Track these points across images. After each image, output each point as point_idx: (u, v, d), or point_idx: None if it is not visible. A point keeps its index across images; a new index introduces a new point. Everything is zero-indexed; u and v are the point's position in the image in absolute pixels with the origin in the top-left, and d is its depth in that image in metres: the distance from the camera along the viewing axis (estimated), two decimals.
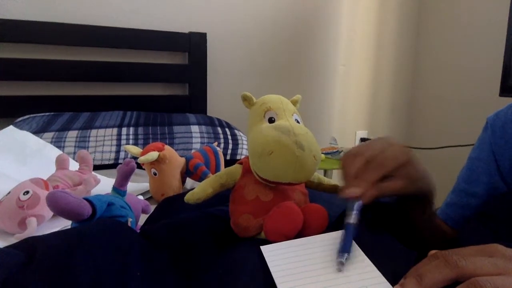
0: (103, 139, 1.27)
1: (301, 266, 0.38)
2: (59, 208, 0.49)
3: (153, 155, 0.88)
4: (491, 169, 0.63)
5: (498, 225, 0.55)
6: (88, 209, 0.50)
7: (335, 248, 0.40)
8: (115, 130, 1.31)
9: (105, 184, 0.89)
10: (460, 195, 0.67)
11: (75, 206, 0.49)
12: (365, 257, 0.39)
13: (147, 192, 0.96)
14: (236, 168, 0.53)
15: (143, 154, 0.90)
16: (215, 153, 1.05)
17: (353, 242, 0.41)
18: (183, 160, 0.97)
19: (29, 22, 1.35)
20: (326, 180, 0.57)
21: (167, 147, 0.93)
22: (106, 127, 1.32)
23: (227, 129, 1.46)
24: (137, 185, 0.99)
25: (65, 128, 1.27)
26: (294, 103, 0.57)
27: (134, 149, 0.94)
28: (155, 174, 0.91)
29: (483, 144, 0.65)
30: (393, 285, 0.35)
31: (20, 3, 1.38)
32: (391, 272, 0.37)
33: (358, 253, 0.40)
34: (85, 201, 0.50)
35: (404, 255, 0.43)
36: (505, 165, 0.61)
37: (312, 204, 0.49)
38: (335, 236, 0.42)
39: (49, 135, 1.22)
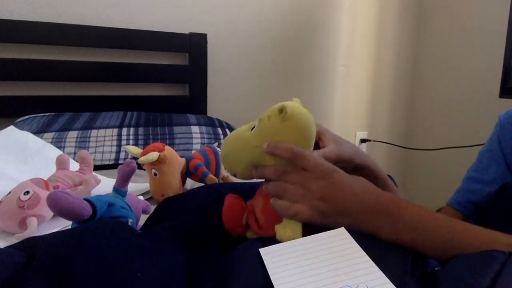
0: (104, 140, 1.27)
1: (299, 267, 0.38)
2: (59, 208, 0.49)
3: (154, 155, 0.88)
4: (499, 158, 0.69)
5: (490, 220, 0.57)
6: (88, 210, 0.50)
7: (334, 246, 0.40)
8: (115, 131, 1.31)
9: (105, 184, 0.89)
10: (469, 182, 0.74)
11: (76, 206, 0.49)
12: (364, 254, 0.39)
13: (147, 192, 0.96)
14: None
15: (143, 154, 0.90)
16: (215, 154, 1.05)
17: (353, 240, 0.41)
18: (183, 160, 0.97)
19: (29, 23, 1.35)
20: None
21: (167, 147, 0.94)
22: (107, 127, 1.32)
23: (227, 130, 1.46)
24: (137, 185, 0.99)
25: (66, 128, 1.27)
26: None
27: (134, 150, 0.94)
28: (155, 174, 0.91)
29: (493, 138, 0.72)
30: (392, 282, 0.35)
31: (20, 3, 1.38)
32: (389, 270, 0.37)
33: (356, 250, 0.40)
34: (85, 201, 0.51)
35: (401, 253, 0.43)
36: (510, 158, 0.67)
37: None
38: (332, 235, 0.43)
39: (50, 135, 1.22)
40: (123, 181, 0.61)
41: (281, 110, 0.49)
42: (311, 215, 0.46)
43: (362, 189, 0.49)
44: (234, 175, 0.54)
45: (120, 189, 0.62)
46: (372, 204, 0.47)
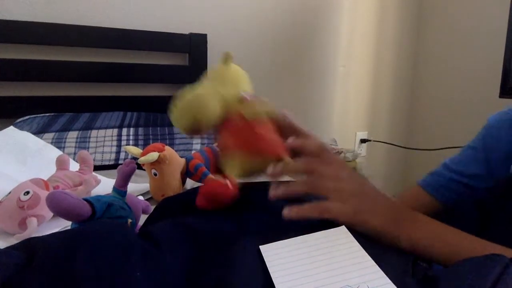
0: (104, 140, 1.27)
1: (300, 265, 0.38)
2: (58, 209, 0.49)
3: (153, 155, 0.88)
4: (480, 158, 0.71)
5: (489, 213, 0.58)
6: (87, 210, 0.50)
7: (335, 245, 0.40)
8: (115, 131, 1.31)
9: (105, 184, 0.89)
10: (443, 167, 0.77)
11: (75, 206, 0.49)
12: (365, 253, 0.39)
13: (147, 192, 0.96)
14: None
15: (143, 154, 0.90)
16: (215, 153, 1.05)
17: (353, 238, 0.41)
18: (183, 160, 0.97)
19: (29, 23, 1.35)
20: None
21: (167, 147, 0.94)
22: (107, 127, 1.32)
23: None
24: (137, 186, 0.99)
25: (66, 128, 1.27)
26: None
27: (135, 150, 0.94)
28: (155, 174, 0.91)
29: (479, 138, 0.74)
30: (393, 282, 0.35)
31: (20, 3, 1.38)
32: (389, 269, 0.37)
33: (357, 249, 0.40)
34: (84, 201, 0.50)
35: (401, 253, 0.43)
36: (494, 159, 0.69)
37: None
38: (333, 233, 0.43)
39: (50, 135, 1.22)
40: (123, 181, 0.61)
41: (226, 57, 0.58)
42: (343, 211, 0.46)
43: (378, 190, 0.50)
44: (194, 132, 0.54)
45: (119, 189, 0.61)
46: (395, 205, 0.48)
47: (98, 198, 0.54)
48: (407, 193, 0.80)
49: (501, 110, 0.73)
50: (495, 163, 0.68)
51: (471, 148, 0.75)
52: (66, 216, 0.50)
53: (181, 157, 0.99)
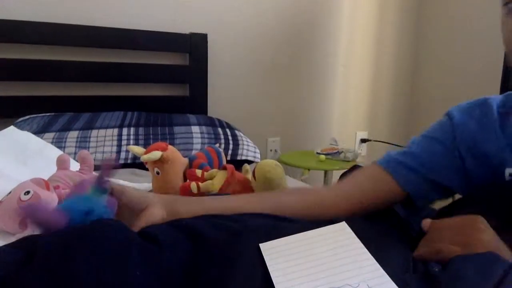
0: (104, 140, 1.27)
1: (299, 264, 0.38)
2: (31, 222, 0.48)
3: (156, 154, 0.88)
4: (450, 155, 0.67)
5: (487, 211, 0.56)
6: (61, 222, 0.47)
7: (335, 241, 0.40)
8: (115, 131, 1.31)
9: None
10: (412, 158, 0.70)
11: (47, 220, 0.47)
12: (366, 250, 0.39)
13: (149, 192, 0.96)
14: None
15: (146, 153, 0.90)
16: (218, 154, 1.05)
17: (354, 235, 0.41)
18: (186, 160, 0.97)
19: (29, 23, 1.35)
20: None
21: (170, 147, 0.93)
22: (107, 127, 1.32)
23: (227, 130, 1.46)
24: (139, 186, 0.99)
25: (66, 128, 1.27)
26: None
27: (138, 149, 0.94)
28: (158, 173, 0.91)
29: (445, 132, 0.71)
30: (393, 280, 0.35)
31: (20, 3, 1.38)
32: (390, 266, 0.37)
33: (357, 246, 0.40)
34: (58, 213, 0.47)
35: (401, 249, 0.43)
36: (469, 159, 0.65)
37: None
38: (333, 230, 0.43)
39: (50, 135, 1.22)
40: (105, 175, 0.55)
41: None
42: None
43: None
44: None
45: (100, 186, 0.54)
46: None
47: (78, 207, 0.50)
48: (363, 173, 0.70)
49: (463, 104, 0.70)
50: (473, 166, 0.63)
51: (435, 141, 0.71)
52: (42, 230, 0.48)
53: (184, 157, 0.99)
